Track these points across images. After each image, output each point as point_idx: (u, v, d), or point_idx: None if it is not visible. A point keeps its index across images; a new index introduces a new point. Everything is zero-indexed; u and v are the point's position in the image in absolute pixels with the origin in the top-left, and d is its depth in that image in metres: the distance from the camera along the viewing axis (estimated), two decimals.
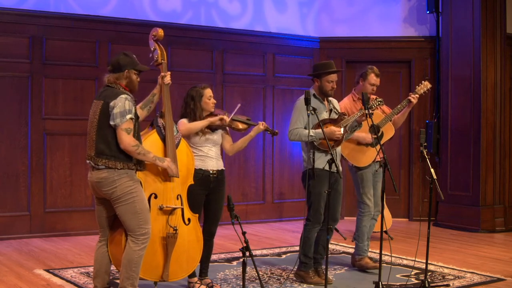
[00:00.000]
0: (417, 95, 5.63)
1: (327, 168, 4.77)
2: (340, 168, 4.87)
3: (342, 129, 5.12)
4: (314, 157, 4.97)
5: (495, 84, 8.14)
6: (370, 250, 5.84)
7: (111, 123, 4.05)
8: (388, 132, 5.78)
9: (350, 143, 5.63)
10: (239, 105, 5.03)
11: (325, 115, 5.19)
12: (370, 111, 4.93)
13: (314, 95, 5.17)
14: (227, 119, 4.78)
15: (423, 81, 5.76)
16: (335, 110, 5.27)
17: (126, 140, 4.04)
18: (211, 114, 4.88)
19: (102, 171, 4.08)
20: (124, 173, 4.09)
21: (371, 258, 5.77)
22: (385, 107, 5.84)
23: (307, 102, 4.71)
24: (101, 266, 4.30)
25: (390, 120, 5.68)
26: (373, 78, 5.65)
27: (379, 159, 5.69)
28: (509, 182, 8.47)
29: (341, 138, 5.13)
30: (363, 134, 5.58)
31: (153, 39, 4.63)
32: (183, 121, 4.78)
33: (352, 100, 5.79)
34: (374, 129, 5.02)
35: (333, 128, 5.08)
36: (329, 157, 4.96)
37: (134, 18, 7.72)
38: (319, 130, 4.94)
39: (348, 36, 9.00)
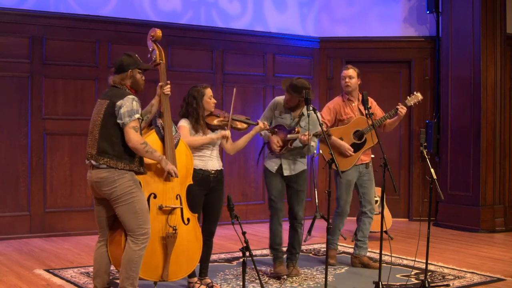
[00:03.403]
0: (406, 107, 5.61)
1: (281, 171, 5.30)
2: (292, 172, 5.31)
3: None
4: (264, 152, 5.46)
5: (495, 84, 8.14)
6: (370, 250, 5.85)
7: (119, 121, 4.04)
8: (370, 141, 5.68)
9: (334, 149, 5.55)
10: (234, 89, 5.00)
11: (289, 123, 5.35)
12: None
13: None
14: (229, 135, 4.86)
15: (415, 92, 5.78)
16: (299, 124, 5.33)
17: (135, 138, 4.04)
18: (211, 114, 4.89)
19: (102, 170, 4.08)
20: (124, 173, 4.09)
21: (370, 258, 5.77)
22: (378, 110, 5.83)
23: (307, 102, 4.76)
24: (100, 266, 4.30)
25: (374, 129, 5.39)
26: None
27: (363, 162, 5.70)
28: (509, 182, 8.47)
29: (282, 147, 5.27)
30: (343, 142, 5.66)
31: (151, 40, 4.63)
32: (184, 126, 4.78)
33: (342, 100, 5.78)
34: (374, 128, 5.03)
35: (275, 137, 5.26)
36: (276, 160, 5.34)
37: (134, 18, 7.72)
38: (268, 132, 5.23)
39: (348, 36, 8.99)
